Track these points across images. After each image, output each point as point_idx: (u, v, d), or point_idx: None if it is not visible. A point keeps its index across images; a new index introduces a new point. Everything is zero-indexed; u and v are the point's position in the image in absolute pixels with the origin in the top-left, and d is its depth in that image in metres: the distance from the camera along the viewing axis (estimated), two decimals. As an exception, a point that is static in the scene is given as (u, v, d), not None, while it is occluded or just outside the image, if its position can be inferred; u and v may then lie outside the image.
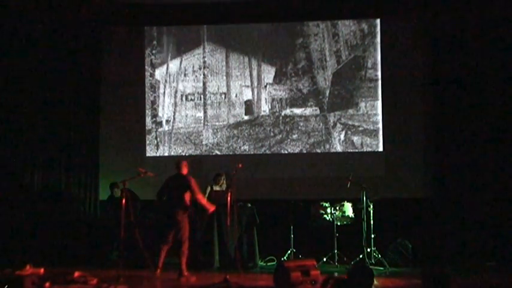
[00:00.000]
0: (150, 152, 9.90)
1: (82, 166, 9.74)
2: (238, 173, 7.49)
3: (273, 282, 6.80)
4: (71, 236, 9.25)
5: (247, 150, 9.77)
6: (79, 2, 9.61)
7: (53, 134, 9.65)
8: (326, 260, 8.28)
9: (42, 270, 6.79)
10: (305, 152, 9.66)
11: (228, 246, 8.12)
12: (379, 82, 9.56)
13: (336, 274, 7.59)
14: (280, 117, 9.74)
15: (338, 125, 9.62)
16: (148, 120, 9.92)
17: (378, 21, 9.65)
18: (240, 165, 7.47)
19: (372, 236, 8.26)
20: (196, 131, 9.86)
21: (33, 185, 9.57)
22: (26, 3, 9.42)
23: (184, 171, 7.70)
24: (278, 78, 9.80)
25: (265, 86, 9.81)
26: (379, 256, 8.18)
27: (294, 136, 9.70)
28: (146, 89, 9.95)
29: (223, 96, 9.88)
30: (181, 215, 7.47)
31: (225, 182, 8.71)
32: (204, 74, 9.93)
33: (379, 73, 9.58)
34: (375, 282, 7.15)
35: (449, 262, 8.36)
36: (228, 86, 9.88)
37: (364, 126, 9.57)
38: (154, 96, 9.96)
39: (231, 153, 9.75)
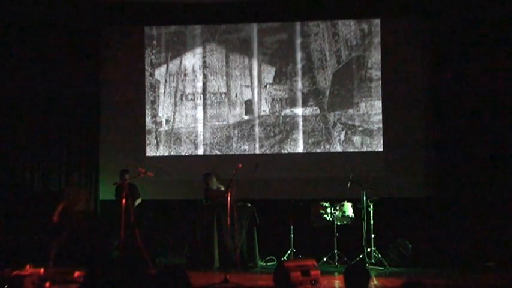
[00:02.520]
0: (150, 152, 9.89)
1: (82, 166, 9.75)
2: (238, 173, 7.50)
3: (273, 282, 6.80)
4: (70, 236, 9.24)
5: (247, 150, 9.76)
6: (79, 2, 9.62)
7: (53, 134, 9.66)
8: (326, 260, 8.28)
9: (42, 270, 6.79)
10: (305, 152, 9.65)
11: (228, 246, 8.12)
12: (379, 82, 9.56)
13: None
14: (280, 117, 9.74)
15: (338, 125, 9.62)
16: (148, 120, 9.92)
17: (378, 21, 9.63)
18: (240, 165, 7.48)
19: (372, 236, 8.26)
20: (196, 131, 9.86)
21: (33, 185, 9.57)
22: (27, 3, 9.42)
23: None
24: (278, 78, 9.80)
25: (265, 86, 9.81)
26: (379, 256, 8.18)
27: (294, 136, 9.69)
28: (146, 89, 9.94)
29: (223, 96, 9.87)
30: None
31: (215, 181, 8.68)
32: (204, 74, 9.92)
33: (379, 73, 9.57)
34: (375, 282, 7.16)
35: (449, 262, 8.37)
36: (228, 86, 9.88)
37: (364, 126, 9.56)
38: (154, 96, 9.96)
39: (231, 153, 9.75)
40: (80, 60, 9.79)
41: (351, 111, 9.60)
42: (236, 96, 9.86)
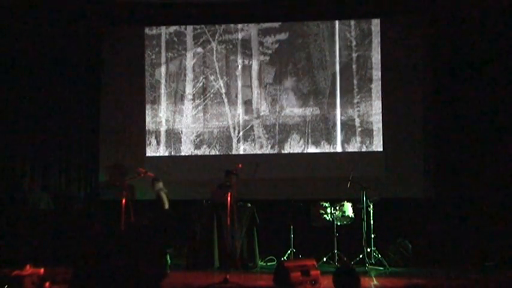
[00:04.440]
0: (150, 152, 9.89)
1: (82, 166, 9.76)
2: (238, 173, 7.50)
3: (273, 282, 6.81)
4: (71, 236, 9.25)
5: (247, 150, 9.76)
6: (79, 2, 9.62)
7: (53, 134, 9.66)
8: (326, 260, 8.28)
9: (42, 270, 6.79)
10: (305, 152, 9.66)
11: (228, 246, 8.12)
12: (379, 82, 9.56)
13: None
14: (280, 117, 9.74)
15: (338, 125, 9.62)
16: (148, 120, 9.92)
17: (378, 21, 9.64)
18: (240, 165, 7.48)
19: (372, 236, 8.27)
20: (196, 131, 9.86)
21: (33, 184, 9.57)
22: (27, 4, 9.42)
23: None
24: (278, 78, 9.80)
25: (265, 86, 9.81)
26: (379, 256, 8.18)
27: (294, 136, 9.69)
28: (146, 89, 9.95)
29: (223, 96, 9.87)
30: None
31: (159, 185, 8.76)
32: (204, 74, 9.93)
33: (379, 73, 9.57)
34: (375, 282, 7.16)
35: (449, 262, 8.37)
36: (228, 86, 9.88)
37: (364, 126, 9.57)
38: (154, 96, 9.96)
39: (231, 153, 9.75)
40: (80, 61, 9.79)
41: (350, 111, 9.60)
42: (236, 96, 9.86)
